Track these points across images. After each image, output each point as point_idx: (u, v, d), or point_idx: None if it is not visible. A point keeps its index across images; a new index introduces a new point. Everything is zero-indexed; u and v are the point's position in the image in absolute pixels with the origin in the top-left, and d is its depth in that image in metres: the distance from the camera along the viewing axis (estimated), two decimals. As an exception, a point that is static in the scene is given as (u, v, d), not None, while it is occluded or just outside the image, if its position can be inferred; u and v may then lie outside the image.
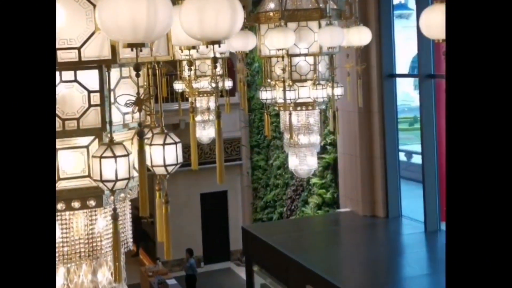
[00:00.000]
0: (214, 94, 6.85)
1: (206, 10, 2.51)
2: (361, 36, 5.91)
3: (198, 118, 7.33)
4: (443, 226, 10.12)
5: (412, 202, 10.94)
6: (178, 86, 7.53)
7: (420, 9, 8.85)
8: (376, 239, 10.36)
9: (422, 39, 9.23)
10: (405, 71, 11.80)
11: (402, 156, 20.34)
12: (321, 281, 8.11)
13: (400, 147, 11.36)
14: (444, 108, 3.18)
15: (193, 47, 3.26)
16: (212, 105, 7.32)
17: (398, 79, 11.03)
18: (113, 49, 2.85)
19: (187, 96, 7.18)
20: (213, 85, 6.62)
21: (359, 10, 6.26)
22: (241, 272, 14.44)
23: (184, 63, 6.36)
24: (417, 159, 10.96)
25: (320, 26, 5.83)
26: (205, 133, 7.39)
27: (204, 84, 7.12)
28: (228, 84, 7.15)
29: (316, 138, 6.26)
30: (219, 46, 2.63)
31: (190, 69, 6.25)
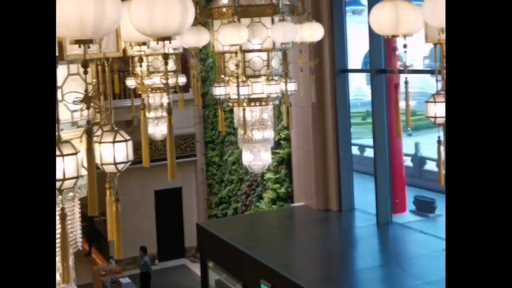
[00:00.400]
0: (166, 91, 6.78)
1: (155, 6, 2.47)
2: (313, 32, 5.95)
3: (151, 114, 7.24)
4: (394, 218, 10.32)
5: (365, 195, 11.11)
6: (131, 82, 7.42)
7: (371, 5, 8.95)
8: (329, 233, 10.48)
9: (373, 35, 9.35)
10: (359, 66, 11.93)
11: (355, 150, 20.65)
12: (275, 276, 8.16)
13: (353, 141, 11.51)
14: (394, 102, 3.19)
15: (144, 43, 3.21)
16: (165, 101, 7.23)
17: (351, 74, 11.16)
18: (60, 46, 2.78)
19: (139, 92, 7.08)
20: (164, 81, 6.55)
21: (312, 6, 6.31)
22: (196, 269, 14.39)
23: (136, 59, 6.27)
24: (370, 153, 11.12)
25: (273, 22, 5.83)
26: (159, 129, 7.30)
27: (157, 80, 7.04)
28: (182, 80, 7.08)
29: (270, 134, 6.26)
30: (170, 42, 2.59)
31: (141, 65, 6.16)
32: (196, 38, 5.70)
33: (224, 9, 5.82)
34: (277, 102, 6.33)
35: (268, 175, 12.85)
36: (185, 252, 17.02)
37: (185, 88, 11.16)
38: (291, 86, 6.01)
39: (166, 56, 2.83)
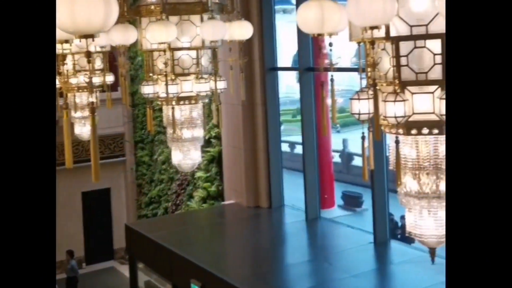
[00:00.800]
0: (89, 90, 6.64)
1: (77, 3, 2.41)
2: (242, 30, 5.97)
3: (78, 114, 7.07)
4: (323, 213, 10.53)
5: (295, 192, 11.28)
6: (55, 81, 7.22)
7: (299, 4, 9.09)
8: (259, 229, 10.57)
9: (301, 33, 9.49)
10: (289, 64, 12.09)
11: (286, 147, 20.92)
12: (206, 274, 8.15)
13: (284, 138, 11.66)
14: (321, 99, 3.25)
15: (66, 41, 3.13)
16: (91, 100, 7.05)
17: (281, 73, 11.28)
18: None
19: (64, 92, 6.90)
20: (87, 80, 6.42)
21: (241, 5, 6.32)
22: (125, 271, 14.16)
23: (58, 57, 6.10)
24: (300, 150, 11.29)
25: (202, 20, 5.81)
26: (86, 129, 7.14)
27: (83, 79, 6.88)
28: (110, 78, 6.95)
29: (199, 132, 6.24)
30: (93, 40, 2.54)
31: (63, 64, 6.00)
32: (124, 36, 5.60)
33: (152, 7, 5.75)
34: (206, 101, 6.32)
35: (199, 173, 12.81)
36: (114, 254, 16.72)
37: (114, 87, 10.94)
38: (221, 84, 6.01)
39: (89, 55, 2.76)
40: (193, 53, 5.99)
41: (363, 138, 3.24)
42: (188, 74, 5.96)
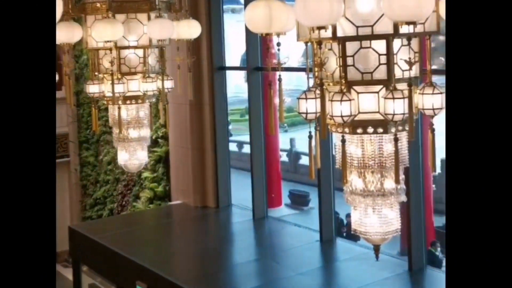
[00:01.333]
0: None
1: None
2: (191, 29, 5.94)
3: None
4: (270, 212, 10.60)
5: (242, 191, 11.31)
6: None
7: (247, 4, 9.12)
8: (206, 229, 10.55)
9: (250, 32, 9.52)
10: (238, 64, 12.10)
11: (233, 147, 20.94)
12: (152, 276, 8.08)
13: (233, 138, 11.67)
14: (269, 99, 3.27)
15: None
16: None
17: (230, 72, 11.29)
18: None
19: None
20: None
21: (189, 3, 6.29)
22: (69, 274, 13.85)
23: None
24: (248, 149, 11.33)
25: (149, 19, 5.76)
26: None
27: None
28: (53, 76, 6.79)
29: (146, 132, 6.19)
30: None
31: None
32: (68, 34, 5.49)
33: (98, 4, 5.65)
34: (153, 100, 6.26)
35: (145, 174, 12.67)
36: (57, 257, 16.36)
37: (58, 86, 10.72)
38: (168, 84, 5.97)
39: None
40: (140, 52, 5.93)
41: (310, 137, 3.28)
42: (135, 73, 5.90)
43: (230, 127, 11.99)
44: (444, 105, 3.08)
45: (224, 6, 11.30)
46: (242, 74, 12.77)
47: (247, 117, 12.09)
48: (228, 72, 11.23)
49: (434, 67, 3.25)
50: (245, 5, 10.16)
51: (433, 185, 20.23)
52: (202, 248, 9.35)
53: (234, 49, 11.37)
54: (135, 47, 5.86)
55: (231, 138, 11.50)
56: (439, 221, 17.65)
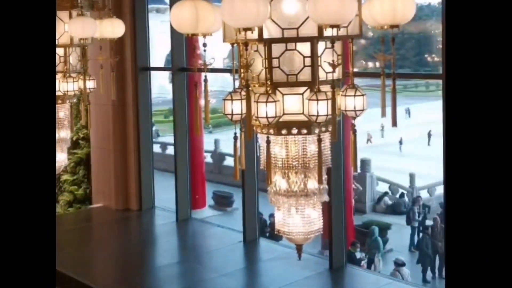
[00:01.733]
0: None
1: None
2: (114, 28, 5.83)
3: None
4: (193, 214, 10.57)
5: (166, 193, 11.21)
6: None
7: (173, 4, 9.07)
8: (129, 232, 10.38)
9: (175, 33, 9.47)
10: (162, 64, 12.00)
11: (158, 148, 20.68)
12: (71, 282, 7.86)
13: (156, 139, 11.54)
14: (194, 100, 3.26)
15: None
16: None
17: (154, 72, 11.17)
18: None
19: None
20: None
21: (113, 2, 6.18)
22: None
23: None
24: (172, 150, 11.25)
25: (71, 16, 5.61)
26: None
27: None
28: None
29: (66, 133, 6.03)
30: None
31: None
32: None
33: None
34: (74, 100, 6.11)
35: (65, 176, 12.31)
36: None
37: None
38: (90, 84, 5.84)
39: None
40: (60, 51, 5.77)
41: (235, 138, 3.30)
42: (55, 73, 5.73)
43: (153, 128, 11.85)
44: (365, 107, 3.18)
45: (149, 6, 11.18)
46: (166, 74, 12.67)
47: (171, 118, 12.01)
48: (152, 73, 11.11)
49: (355, 69, 3.34)
50: (171, 5, 10.09)
51: (357, 185, 20.80)
52: (123, 251, 9.18)
53: (159, 50, 11.27)
54: (56, 46, 5.69)
55: (154, 140, 11.37)
56: (358, 219, 18.16)
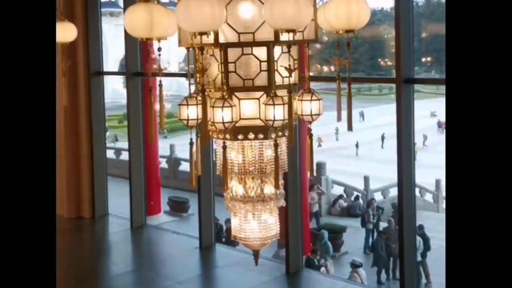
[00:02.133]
0: None
1: None
2: (66, 32, 5.70)
3: None
4: (148, 221, 10.43)
5: (120, 200, 11.02)
6: None
7: (127, 7, 8.95)
8: (81, 241, 10.15)
9: (129, 37, 9.33)
10: (116, 68, 11.82)
11: (111, 154, 20.34)
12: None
13: (110, 145, 11.36)
14: (148, 105, 3.20)
15: None
16: None
17: (108, 77, 10.99)
18: None
19: None
20: None
21: (64, 6, 6.05)
22: None
23: None
24: (126, 156, 11.09)
25: (20, 18, 5.46)
26: None
27: None
28: None
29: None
30: None
31: None
32: None
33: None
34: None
35: (16, 182, 12.00)
36: None
37: None
38: (41, 87, 5.70)
39: None
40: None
41: (191, 143, 3.25)
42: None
43: (107, 133, 11.65)
44: (321, 111, 3.18)
45: (103, 9, 11.00)
46: (120, 79, 12.49)
47: (126, 123, 11.83)
48: (105, 77, 10.94)
49: (311, 73, 3.34)
50: (125, 8, 9.96)
51: (321, 188, 20.93)
52: (76, 261, 8.94)
53: (112, 54, 11.11)
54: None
55: (108, 145, 11.18)
56: (313, 223, 18.26)
